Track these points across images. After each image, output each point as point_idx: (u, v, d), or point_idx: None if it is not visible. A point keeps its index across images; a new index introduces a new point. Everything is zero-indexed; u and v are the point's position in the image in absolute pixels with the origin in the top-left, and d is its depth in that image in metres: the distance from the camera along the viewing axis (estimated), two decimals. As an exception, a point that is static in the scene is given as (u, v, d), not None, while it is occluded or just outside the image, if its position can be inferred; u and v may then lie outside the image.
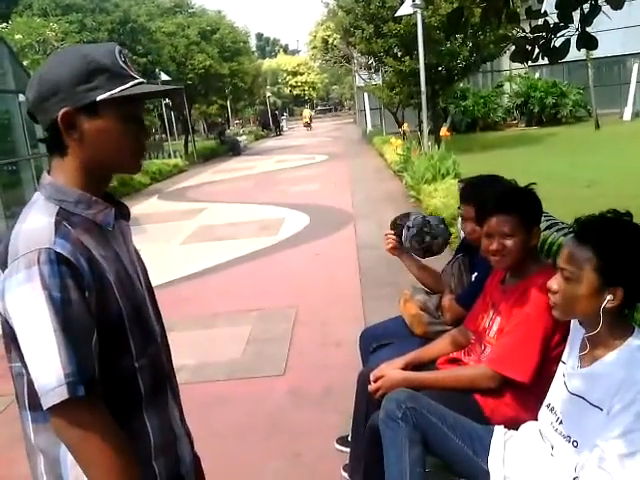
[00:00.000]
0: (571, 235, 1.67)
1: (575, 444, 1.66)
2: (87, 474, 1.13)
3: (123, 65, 1.19)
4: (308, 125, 43.48)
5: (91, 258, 1.14)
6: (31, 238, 1.10)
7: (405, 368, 2.39)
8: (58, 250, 1.08)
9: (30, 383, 1.10)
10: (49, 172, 1.23)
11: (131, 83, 1.18)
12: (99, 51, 1.18)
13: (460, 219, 2.79)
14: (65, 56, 1.19)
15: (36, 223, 1.13)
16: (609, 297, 1.56)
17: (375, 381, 2.36)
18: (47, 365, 1.05)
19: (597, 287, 1.57)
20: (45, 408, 1.06)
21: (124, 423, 1.17)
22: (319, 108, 79.24)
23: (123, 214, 1.31)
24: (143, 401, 1.24)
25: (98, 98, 1.15)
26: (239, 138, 30.52)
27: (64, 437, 1.11)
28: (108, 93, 1.15)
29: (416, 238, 2.94)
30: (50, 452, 1.19)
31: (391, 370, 2.37)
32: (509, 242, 2.15)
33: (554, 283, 1.65)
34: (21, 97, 10.58)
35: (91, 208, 1.20)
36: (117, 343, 1.18)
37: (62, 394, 1.04)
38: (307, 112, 46.65)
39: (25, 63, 11.83)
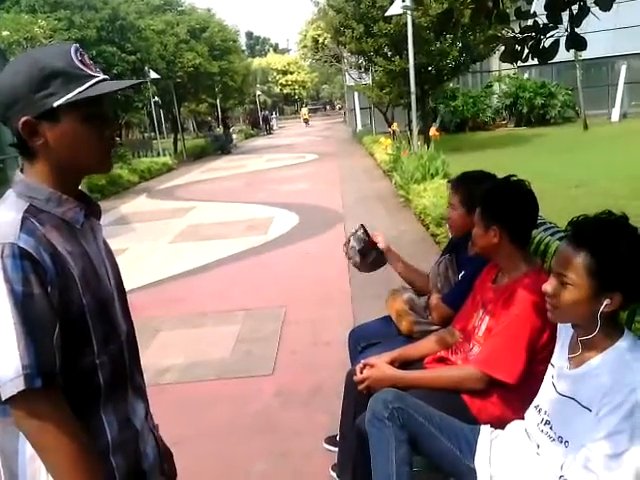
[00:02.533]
0: (566, 238, 1.63)
1: (567, 444, 1.65)
2: (47, 464, 1.16)
3: (80, 65, 1.18)
4: (307, 121, 47.91)
5: (55, 254, 1.16)
6: None
7: (391, 364, 2.40)
8: (21, 245, 1.11)
9: None
10: (22, 170, 1.25)
11: (88, 83, 1.18)
12: (52, 55, 1.18)
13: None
14: (18, 65, 1.19)
15: (3, 218, 1.16)
16: (606, 302, 1.54)
17: (362, 371, 2.37)
18: (6, 357, 1.08)
19: (594, 292, 1.54)
20: (4, 399, 1.09)
21: (81, 418, 1.19)
22: (309, 107, 79.30)
23: (94, 213, 1.34)
24: (101, 397, 1.26)
25: (55, 104, 1.16)
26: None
27: (23, 428, 1.13)
28: (64, 98, 1.16)
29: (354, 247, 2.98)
30: (7, 447, 1.21)
31: (380, 362, 2.37)
32: (475, 231, 2.29)
33: (549, 287, 1.61)
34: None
35: (61, 206, 1.23)
36: (79, 339, 1.20)
37: (19, 385, 1.08)
38: (305, 110, 51.74)
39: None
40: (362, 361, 2.42)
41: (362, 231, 2.97)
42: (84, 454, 1.15)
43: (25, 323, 1.08)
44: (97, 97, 1.19)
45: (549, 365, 1.82)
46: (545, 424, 1.75)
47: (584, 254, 1.54)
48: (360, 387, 2.35)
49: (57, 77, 1.15)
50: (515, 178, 2.28)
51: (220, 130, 29.48)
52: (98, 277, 1.27)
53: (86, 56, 1.22)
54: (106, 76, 1.22)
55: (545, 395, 1.80)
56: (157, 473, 1.42)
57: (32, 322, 1.09)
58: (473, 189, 2.51)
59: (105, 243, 1.39)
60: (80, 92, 1.16)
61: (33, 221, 1.16)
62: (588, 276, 1.53)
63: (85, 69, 1.19)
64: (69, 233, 1.23)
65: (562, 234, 2.73)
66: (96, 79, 1.19)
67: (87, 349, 1.22)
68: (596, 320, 1.56)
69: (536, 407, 1.83)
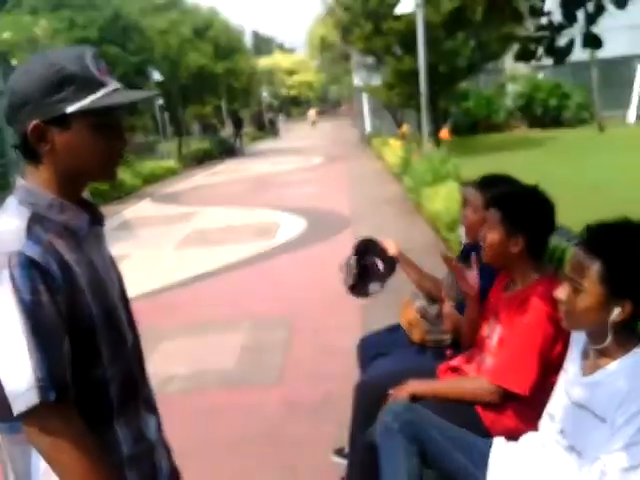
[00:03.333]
0: (579, 244, 1.62)
1: (580, 455, 1.63)
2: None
3: (94, 71, 1.16)
4: (314, 123, 50.77)
5: (62, 262, 1.14)
6: (1, 241, 1.11)
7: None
8: (29, 254, 1.09)
9: (0, 392, 1.10)
10: (23, 177, 1.23)
11: (103, 91, 1.15)
12: (68, 58, 1.15)
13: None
14: (32, 65, 1.16)
15: (7, 226, 1.14)
16: (617, 310, 1.53)
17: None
18: (17, 369, 1.06)
19: (604, 299, 1.53)
20: (16, 414, 1.07)
21: (94, 432, 1.17)
22: (317, 109, 79.71)
23: (97, 219, 1.31)
24: (114, 410, 1.24)
25: (67, 110, 1.13)
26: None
27: (36, 444, 1.11)
28: (78, 105, 1.13)
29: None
30: (19, 465, 1.21)
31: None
32: (489, 237, 2.20)
33: (561, 293, 1.61)
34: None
35: (64, 213, 1.20)
36: (88, 349, 1.19)
37: (32, 399, 1.06)
38: (313, 112, 54.42)
39: (14, 62, 11.73)
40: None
41: (353, 260, 2.91)
42: (99, 470, 1.13)
43: (36, 334, 1.07)
44: (109, 107, 1.17)
45: (562, 371, 1.81)
46: (559, 433, 1.73)
47: (596, 259, 1.54)
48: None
49: (72, 82, 1.13)
50: (539, 187, 2.25)
51: (227, 133, 29.36)
52: (104, 286, 1.25)
53: (102, 63, 1.19)
54: (119, 85, 1.20)
55: (558, 403, 1.78)
56: None
57: (43, 333, 1.08)
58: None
59: (108, 251, 1.37)
60: (93, 100, 1.14)
61: (38, 228, 1.14)
62: (600, 283, 1.53)
63: (100, 77, 1.16)
64: (73, 241, 1.20)
65: (577, 240, 2.67)
66: (110, 88, 1.17)
67: (96, 361, 1.20)
68: (607, 329, 1.55)
69: (550, 415, 1.81)
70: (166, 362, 4.47)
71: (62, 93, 1.12)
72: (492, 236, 2.18)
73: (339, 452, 2.92)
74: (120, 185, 15.25)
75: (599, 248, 1.55)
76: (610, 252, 1.54)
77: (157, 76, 19.31)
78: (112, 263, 1.36)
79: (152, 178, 18.43)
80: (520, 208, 2.16)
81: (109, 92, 1.16)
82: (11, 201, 1.20)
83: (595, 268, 1.53)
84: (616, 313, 1.53)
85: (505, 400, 2.08)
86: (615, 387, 1.54)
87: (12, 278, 1.07)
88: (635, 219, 1.61)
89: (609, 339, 1.55)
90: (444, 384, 2.31)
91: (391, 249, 2.95)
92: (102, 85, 1.16)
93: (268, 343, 4.72)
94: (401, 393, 2.22)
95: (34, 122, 1.13)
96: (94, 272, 1.22)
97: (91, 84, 1.14)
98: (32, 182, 1.20)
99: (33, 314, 1.07)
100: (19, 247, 1.09)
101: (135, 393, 1.32)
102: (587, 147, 15.67)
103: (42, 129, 1.14)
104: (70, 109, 1.13)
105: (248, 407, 3.72)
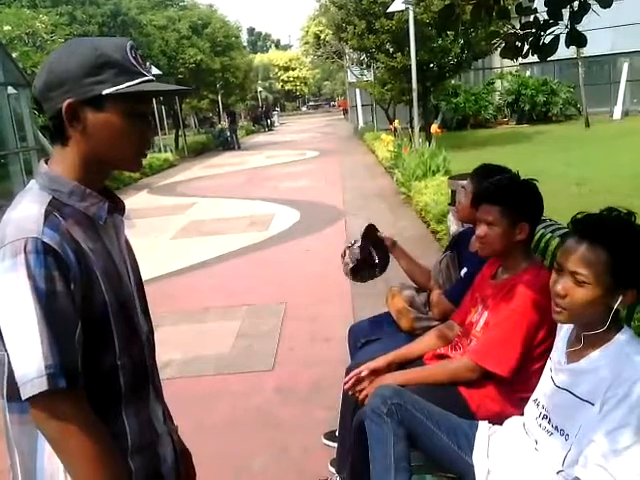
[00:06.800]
0: (574, 235, 1.60)
1: (567, 437, 1.65)
2: (68, 467, 1.13)
3: (133, 61, 1.18)
4: (345, 113, 53.45)
5: (79, 250, 1.14)
6: (20, 226, 1.10)
7: (389, 366, 2.38)
8: (45, 240, 1.08)
9: (10, 372, 1.10)
10: (47, 161, 1.23)
11: (139, 80, 1.17)
12: (110, 45, 1.18)
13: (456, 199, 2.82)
14: (75, 47, 1.18)
15: (26, 211, 1.13)
16: (620, 298, 1.54)
17: (357, 381, 2.35)
18: (28, 355, 1.05)
19: (610, 289, 1.53)
20: (24, 398, 1.06)
21: (103, 420, 1.16)
22: (311, 104, 79.28)
23: (118, 208, 1.31)
24: (122, 399, 1.23)
25: (104, 92, 1.15)
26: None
27: (44, 429, 1.10)
28: (114, 88, 1.15)
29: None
30: (25, 445, 1.19)
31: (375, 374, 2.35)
32: (490, 231, 2.19)
33: (561, 288, 1.59)
34: (10, 89, 10.48)
35: (84, 200, 1.20)
36: (100, 338, 1.18)
37: (41, 385, 1.04)
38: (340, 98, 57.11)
39: (14, 55, 11.72)
40: (352, 374, 2.38)
41: (357, 245, 3.00)
42: (105, 457, 1.12)
43: (48, 321, 1.06)
44: (144, 96, 1.21)
45: (548, 359, 1.83)
46: (543, 418, 1.76)
47: (601, 250, 1.53)
48: (361, 397, 2.31)
49: (112, 67, 1.15)
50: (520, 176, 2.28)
51: (224, 125, 29.21)
52: (119, 276, 1.25)
53: (139, 55, 1.22)
54: (153, 77, 1.23)
55: (543, 388, 1.81)
56: (174, 477, 1.40)
57: (55, 320, 1.07)
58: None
59: (126, 240, 1.37)
60: (130, 86, 1.16)
61: (57, 215, 1.14)
62: (606, 273, 1.52)
63: (137, 66, 1.19)
64: (91, 229, 1.21)
65: (562, 231, 2.73)
66: (146, 77, 1.19)
67: (108, 349, 1.20)
68: (608, 317, 1.56)
69: (535, 401, 1.84)
70: (163, 348, 4.30)
71: (101, 75, 1.14)
72: (493, 230, 2.19)
73: (330, 435, 2.99)
74: (118, 176, 15.16)
75: (603, 239, 1.54)
76: (615, 242, 1.53)
77: (155, 71, 19.19)
78: (130, 252, 1.36)
79: (149, 170, 18.28)
80: (519, 196, 2.18)
81: (145, 81, 1.18)
82: (32, 185, 1.20)
83: (601, 259, 1.52)
84: (620, 301, 1.54)
85: (488, 383, 2.12)
86: (600, 373, 1.55)
87: (27, 265, 1.06)
88: (622, 209, 1.64)
89: (607, 325, 1.56)
90: (426, 369, 2.34)
91: (386, 240, 3.03)
92: (139, 74, 1.18)
93: (262, 330, 4.76)
94: (386, 380, 2.24)
95: (69, 100, 1.13)
96: (110, 262, 1.22)
97: (129, 72, 1.16)
98: (56, 166, 1.20)
99: (46, 302, 1.06)
100: (36, 233, 1.08)
101: (145, 383, 1.31)
102: (574, 142, 15.71)
103: (76, 108, 1.14)
104: (106, 91, 1.14)
105: (242, 392, 3.78)
